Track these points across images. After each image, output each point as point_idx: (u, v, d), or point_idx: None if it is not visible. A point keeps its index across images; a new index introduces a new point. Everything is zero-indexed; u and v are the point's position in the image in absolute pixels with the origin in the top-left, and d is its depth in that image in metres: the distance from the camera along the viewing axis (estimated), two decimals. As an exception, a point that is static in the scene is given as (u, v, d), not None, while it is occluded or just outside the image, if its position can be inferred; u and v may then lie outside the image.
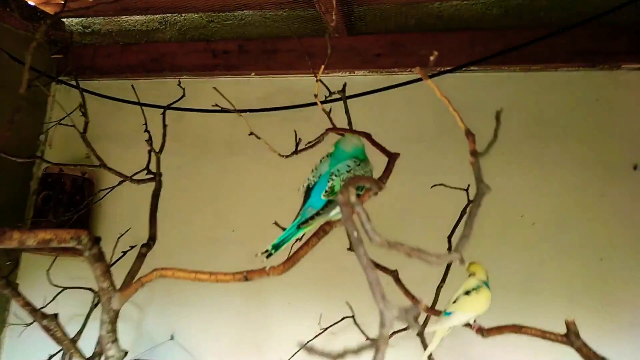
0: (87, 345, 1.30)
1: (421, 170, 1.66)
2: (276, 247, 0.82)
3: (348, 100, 1.19)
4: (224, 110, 1.20)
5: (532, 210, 1.60)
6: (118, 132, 2.02)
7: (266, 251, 0.81)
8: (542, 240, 1.57)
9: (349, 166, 0.88)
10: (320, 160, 0.93)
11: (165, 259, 1.84)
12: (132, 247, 1.74)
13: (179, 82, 1.43)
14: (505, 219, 1.60)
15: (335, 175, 0.86)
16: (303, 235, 0.87)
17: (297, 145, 1.02)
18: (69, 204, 1.82)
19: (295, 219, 0.88)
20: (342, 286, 1.61)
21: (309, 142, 0.97)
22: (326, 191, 0.83)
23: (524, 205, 1.61)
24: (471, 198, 1.25)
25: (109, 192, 1.54)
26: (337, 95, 1.14)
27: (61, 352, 1.42)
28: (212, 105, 1.18)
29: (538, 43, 1.67)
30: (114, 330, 0.60)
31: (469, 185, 1.22)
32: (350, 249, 1.08)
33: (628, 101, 1.64)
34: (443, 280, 1.15)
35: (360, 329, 1.48)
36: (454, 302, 0.96)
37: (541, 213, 1.59)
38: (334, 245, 1.06)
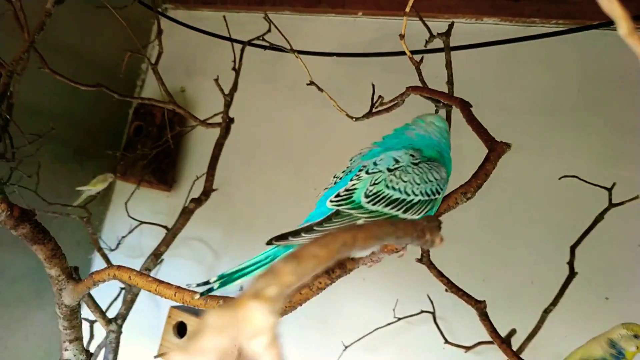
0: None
1: (551, 151, 1.31)
2: (224, 280, 0.52)
3: (458, 51, 0.90)
4: (313, 53, 0.99)
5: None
6: (213, 68, 1.92)
7: (206, 283, 0.52)
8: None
9: (397, 161, 0.55)
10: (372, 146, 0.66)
11: (245, 208, 1.76)
12: (213, 190, 1.68)
13: (265, 15, 1.23)
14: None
15: (368, 172, 0.55)
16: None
17: (372, 104, 0.76)
18: (158, 137, 1.78)
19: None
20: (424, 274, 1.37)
21: (383, 103, 0.71)
22: (338, 195, 0.53)
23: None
24: (615, 201, 0.91)
25: (189, 131, 1.45)
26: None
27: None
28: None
29: None
30: (73, 327, 0.46)
31: (614, 184, 0.89)
32: (420, 260, 0.82)
33: None
34: (554, 303, 0.86)
35: (439, 328, 1.24)
36: None
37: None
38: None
